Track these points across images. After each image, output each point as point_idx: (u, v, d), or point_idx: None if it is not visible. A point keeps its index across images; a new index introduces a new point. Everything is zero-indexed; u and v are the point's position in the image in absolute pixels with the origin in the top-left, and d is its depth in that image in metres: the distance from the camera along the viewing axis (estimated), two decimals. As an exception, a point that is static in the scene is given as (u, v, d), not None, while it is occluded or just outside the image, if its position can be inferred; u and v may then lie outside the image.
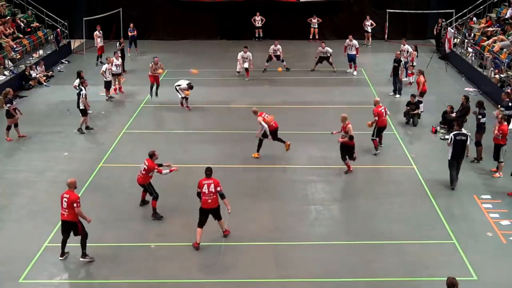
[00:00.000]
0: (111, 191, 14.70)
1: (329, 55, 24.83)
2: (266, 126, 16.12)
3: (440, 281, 11.22)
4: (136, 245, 12.26)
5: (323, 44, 25.10)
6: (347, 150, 15.50)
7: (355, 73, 25.00)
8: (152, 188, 13.29)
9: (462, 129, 14.83)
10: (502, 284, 11.12)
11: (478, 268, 11.51)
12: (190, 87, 20.43)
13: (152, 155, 13.13)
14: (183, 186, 15.03)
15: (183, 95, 20.57)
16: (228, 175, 15.62)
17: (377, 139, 16.87)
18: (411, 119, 19.09)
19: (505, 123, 15.48)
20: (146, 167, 13.07)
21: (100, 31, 26.61)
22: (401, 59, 22.02)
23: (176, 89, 20.57)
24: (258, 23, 30.48)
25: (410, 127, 18.82)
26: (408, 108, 19.13)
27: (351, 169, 15.54)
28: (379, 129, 16.83)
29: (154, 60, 21.69)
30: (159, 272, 11.45)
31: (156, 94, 21.98)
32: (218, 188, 11.84)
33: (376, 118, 16.62)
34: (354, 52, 24.85)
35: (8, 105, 17.66)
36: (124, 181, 15.12)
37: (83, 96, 18.25)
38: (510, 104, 17.43)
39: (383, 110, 16.79)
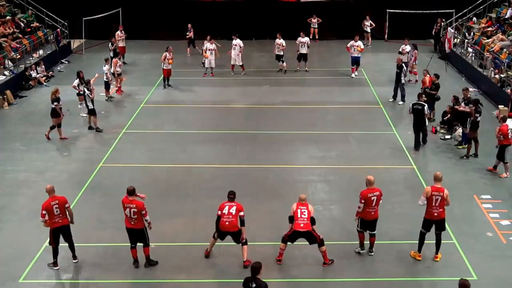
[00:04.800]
0: (111, 191, 14.69)
1: (307, 47, 24.89)
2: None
3: (440, 281, 11.26)
4: (136, 245, 12.24)
5: (302, 34, 25.08)
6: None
7: (353, 75, 24.65)
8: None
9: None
10: (502, 284, 11.12)
11: (478, 268, 11.52)
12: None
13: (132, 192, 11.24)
14: (183, 186, 15.06)
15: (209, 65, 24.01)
16: (228, 175, 15.65)
17: (363, 232, 11.93)
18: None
19: (505, 124, 15.49)
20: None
21: (122, 31, 26.56)
22: (402, 64, 21.33)
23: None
24: None
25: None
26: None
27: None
28: (363, 221, 11.78)
29: (169, 49, 22.83)
30: (159, 272, 11.45)
31: (169, 85, 23.01)
32: (241, 213, 11.23)
33: (362, 203, 11.59)
34: (358, 55, 24.24)
35: (55, 103, 17.64)
36: (124, 181, 15.10)
37: (89, 95, 18.22)
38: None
39: (374, 197, 11.53)
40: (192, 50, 28.30)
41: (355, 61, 24.59)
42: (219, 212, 11.36)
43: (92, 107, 18.42)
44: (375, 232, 11.80)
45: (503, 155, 15.33)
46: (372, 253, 11.92)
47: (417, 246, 11.80)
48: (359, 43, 24.34)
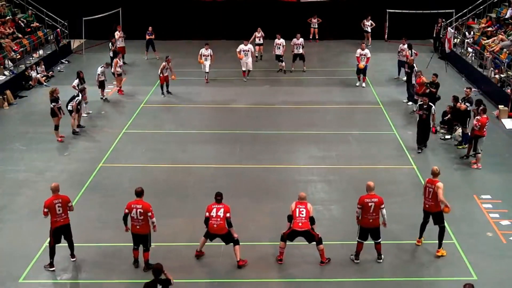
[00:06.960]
0: (111, 191, 14.70)
1: (301, 50, 24.78)
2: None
3: (440, 281, 11.26)
4: (136, 245, 12.24)
5: (298, 35, 24.95)
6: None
7: (358, 83, 23.64)
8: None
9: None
10: (502, 284, 11.13)
11: (478, 268, 11.52)
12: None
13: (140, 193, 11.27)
14: (183, 186, 15.07)
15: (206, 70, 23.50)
16: (228, 175, 15.66)
17: (362, 242, 11.59)
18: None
19: (485, 116, 15.76)
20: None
21: (121, 31, 26.44)
22: (414, 64, 21.08)
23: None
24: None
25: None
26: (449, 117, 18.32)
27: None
28: (362, 229, 11.52)
29: (167, 59, 22.12)
30: (159, 272, 11.45)
31: (168, 92, 22.37)
32: (228, 215, 11.20)
33: (359, 208, 11.37)
34: (366, 63, 23.27)
35: (53, 103, 17.62)
36: (124, 181, 15.12)
37: (76, 101, 18.20)
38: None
39: (372, 203, 11.25)
40: (148, 54, 27.76)
41: (362, 70, 23.29)
42: (207, 214, 11.35)
43: (70, 109, 18.27)
44: (379, 240, 11.54)
45: (475, 145, 15.84)
46: (381, 261, 11.72)
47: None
48: (367, 51, 23.30)
